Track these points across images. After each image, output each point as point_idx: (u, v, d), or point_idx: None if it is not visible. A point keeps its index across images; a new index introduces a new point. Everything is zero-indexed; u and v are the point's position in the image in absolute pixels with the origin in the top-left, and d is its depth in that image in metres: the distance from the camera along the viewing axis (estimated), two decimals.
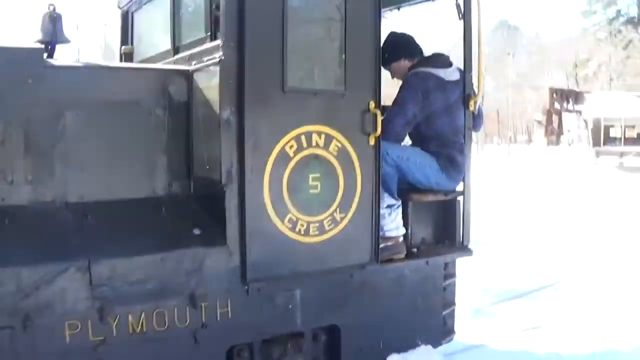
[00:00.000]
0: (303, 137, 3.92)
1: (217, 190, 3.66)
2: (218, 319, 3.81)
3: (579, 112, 38.96)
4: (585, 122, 38.36)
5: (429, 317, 4.69)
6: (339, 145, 3.96)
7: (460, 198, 4.79)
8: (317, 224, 3.98)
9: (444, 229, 4.94)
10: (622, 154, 32.65)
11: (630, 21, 55.45)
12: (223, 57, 3.60)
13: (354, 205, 4.10)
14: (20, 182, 3.51)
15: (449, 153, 4.69)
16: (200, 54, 3.90)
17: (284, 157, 3.74)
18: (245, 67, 3.58)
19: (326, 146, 4.00)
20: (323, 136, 3.98)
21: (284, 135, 3.82)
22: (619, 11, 56.23)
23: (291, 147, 3.89)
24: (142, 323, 3.63)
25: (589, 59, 60.74)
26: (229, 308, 3.85)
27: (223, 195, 3.73)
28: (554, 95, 39.80)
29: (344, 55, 3.91)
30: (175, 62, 4.09)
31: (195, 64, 3.80)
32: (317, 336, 4.23)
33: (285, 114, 3.74)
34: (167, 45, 4.43)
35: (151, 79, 3.85)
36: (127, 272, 3.44)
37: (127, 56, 4.20)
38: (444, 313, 4.72)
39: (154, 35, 4.68)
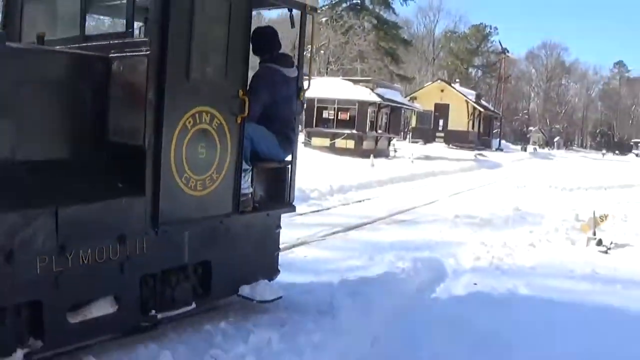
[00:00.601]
0: (197, 115, 5.32)
1: (137, 153, 4.88)
2: (137, 253, 5.01)
3: None
4: None
5: (266, 257, 6.32)
6: (218, 122, 5.37)
7: (289, 166, 6.59)
8: (202, 182, 5.36)
9: (276, 190, 6.59)
10: (333, 136, 36.21)
11: (352, 8, 64.20)
12: (150, 52, 4.83)
13: (225, 168, 5.49)
14: None
15: (286, 132, 6.22)
16: (121, 45, 5.10)
17: (184, 130, 5.12)
18: (167, 61, 4.88)
19: (210, 123, 5.39)
20: (209, 115, 5.40)
21: (186, 113, 5.16)
22: None
23: (189, 122, 5.24)
24: (88, 256, 4.74)
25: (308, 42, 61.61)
26: (144, 245, 5.05)
27: (142, 157, 4.89)
28: None
29: (225, 52, 5.28)
30: (83, 48, 5.29)
31: (114, 53, 5.03)
32: (197, 269, 5.59)
33: (188, 98, 5.10)
34: (73, 32, 5.53)
35: (76, 62, 4.95)
36: (82, 217, 4.54)
37: (40, 39, 5.18)
38: (275, 254, 6.41)
39: (54, 21, 5.77)
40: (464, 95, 62.01)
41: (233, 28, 5.35)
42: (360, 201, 15.74)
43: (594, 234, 11.72)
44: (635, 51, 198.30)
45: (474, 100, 62.13)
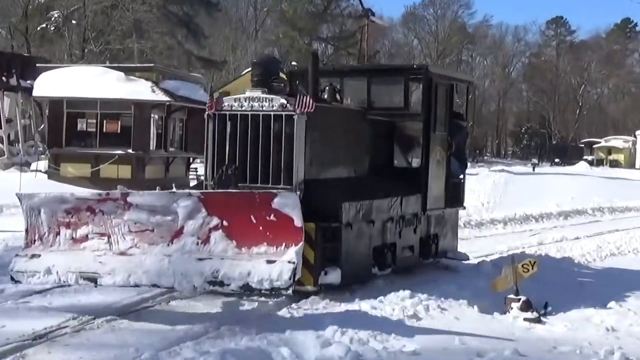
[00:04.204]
0: (437, 151, 13.70)
1: (415, 171, 13.20)
2: (420, 224, 12.95)
3: None
4: None
5: (455, 236, 14.70)
6: (442, 155, 13.28)
7: (463, 180, 14.38)
8: (438, 187, 13.36)
9: (456, 195, 14.03)
10: (96, 159, 30.51)
11: None
12: (423, 120, 13.41)
13: (444, 180, 13.43)
14: None
15: (464, 158, 14.28)
16: (399, 114, 13.54)
17: (433, 159, 13.08)
18: (430, 124, 13.44)
19: (440, 155, 13.51)
20: (439, 151, 13.46)
21: (433, 150, 13.17)
22: None
23: (434, 155, 13.33)
24: (404, 222, 12.40)
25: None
26: (421, 220, 12.90)
27: (418, 174, 13.46)
28: None
29: (444, 118, 13.29)
30: (368, 113, 13.36)
31: (394, 118, 13.30)
32: (434, 237, 13.63)
33: (434, 142, 13.14)
34: (362, 102, 13.81)
35: (380, 123, 13.28)
36: (398, 202, 12.30)
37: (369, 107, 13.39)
38: (457, 234, 15.29)
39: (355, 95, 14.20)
40: None
41: (449, 105, 13.88)
42: None
43: (517, 292, 10.49)
44: (580, 3, 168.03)
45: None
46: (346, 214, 11.00)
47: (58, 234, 10.15)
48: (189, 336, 8.62)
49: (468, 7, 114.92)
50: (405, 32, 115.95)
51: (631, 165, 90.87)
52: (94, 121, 30.62)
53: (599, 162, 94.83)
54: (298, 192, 10.21)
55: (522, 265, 10.33)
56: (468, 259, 14.60)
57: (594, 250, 17.99)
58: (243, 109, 11.04)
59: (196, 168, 35.93)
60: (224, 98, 11.55)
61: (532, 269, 10.38)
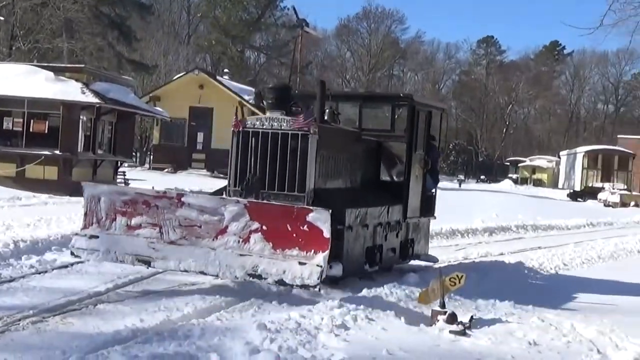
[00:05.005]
0: (416, 167, 16.32)
1: (399, 185, 15.71)
2: (401, 229, 15.38)
3: None
4: None
5: (427, 241, 17.33)
6: (420, 171, 15.75)
7: (434, 193, 16.59)
8: (416, 198, 15.82)
9: (428, 206, 16.56)
10: (22, 159, 30.37)
11: None
12: (406, 141, 16.06)
13: (420, 193, 15.73)
14: None
15: (435, 174, 15.57)
16: (386, 135, 16.27)
17: (413, 175, 15.61)
18: (411, 145, 15.96)
19: (418, 172, 16.02)
20: (418, 168, 15.72)
21: (413, 167, 15.67)
22: None
23: (414, 171, 16.24)
24: (388, 227, 15.05)
25: None
26: (402, 226, 15.43)
27: (401, 187, 16.04)
28: None
29: (423, 139, 15.61)
30: (361, 134, 16.10)
31: (381, 138, 15.85)
32: (410, 241, 16.19)
33: (415, 161, 15.57)
34: (354, 124, 16.55)
35: (369, 142, 16.08)
36: (383, 211, 14.71)
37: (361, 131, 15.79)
38: (428, 240, 18.08)
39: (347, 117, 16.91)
40: (237, 95, 53.03)
41: (427, 129, 16.57)
42: (65, 266, 13.64)
43: (443, 305, 10.76)
44: (510, 24, 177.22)
45: (254, 101, 52.88)
46: (348, 218, 13.16)
47: (114, 220, 12.21)
48: (116, 340, 8.67)
49: (401, 23, 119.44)
50: (338, 44, 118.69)
51: (554, 184, 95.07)
52: (21, 120, 30.59)
53: (523, 181, 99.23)
54: (309, 199, 12.49)
55: (450, 279, 10.82)
56: (437, 261, 17.12)
57: None
58: (264, 127, 13.05)
59: (124, 172, 36.08)
60: (247, 117, 14.00)
61: (459, 282, 10.84)
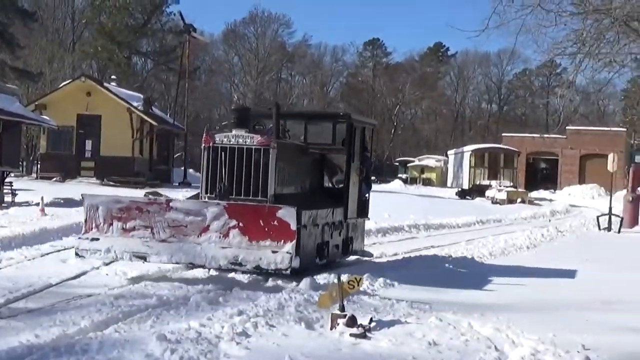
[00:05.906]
0: (354, 176, 19.10)
1: (340, 190, 18.67)
2: (343, 229, 18.19)
3: None
4: None
5: (363, 239, 20.28)
6: (358, 179, 18.46)
7: (368, 198, 20.12)
8: (354, 202, 18.69)
9: (363, 209, 19.70)
10: None
11: None
12: (345, 153, 19.13)
13: (357, 197, 18.55)
14: None
15: (368, 181, 18.60)
16: (328, 148, 19.36)
17: (351, 182, 18.40)
18: (350, 156, 18.80)
19: (356, 179, 18.93)
20: (357, 176, 18.57)
21: (352, 175, 18.38)
22: None
23: (352, 179, 19.13)
24: (333, 227, 17.51)
25: None
26: (343, 227, 18.14)
27: (341, 193, 19.06)
28: None
29: (359, 152, 18.34)
30: (308, 148, 19.03)
31: (324, 151, 18.83)
32: (350, 239, 19.14)
33: (353, 170, 18.32)
34: (300, 139, 19.54)
35: (315, 154, 19.11)
36: (326, 213, 17.48)
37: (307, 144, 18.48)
38: (364, 237, 20.93)
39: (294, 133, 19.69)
40: (125, 101, 53.78)
41: (362, 142, 19.54)
42: None
43: (342, 309, 10.98)
44: (396, 26, 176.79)
45: (142, 108, 54.48)
46: (304, 218, 15.57)
47: (111, 224, 14.50)
48: (11, 358, 8.44)
49: (288, 27, 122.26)
50: (226, 49, 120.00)
51: (443, 183, 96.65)
52: None
53: (413, 180, 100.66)
54: (270, 202, 14.96)
55: (348, 282, 11.07)
56: (372, 256, 19.89)
57: None
58: (232, 143, 15.31)
59: (11, 182, 34.43)
60: (215, 134, 15.77)
61: (357, 286, 11.18)
